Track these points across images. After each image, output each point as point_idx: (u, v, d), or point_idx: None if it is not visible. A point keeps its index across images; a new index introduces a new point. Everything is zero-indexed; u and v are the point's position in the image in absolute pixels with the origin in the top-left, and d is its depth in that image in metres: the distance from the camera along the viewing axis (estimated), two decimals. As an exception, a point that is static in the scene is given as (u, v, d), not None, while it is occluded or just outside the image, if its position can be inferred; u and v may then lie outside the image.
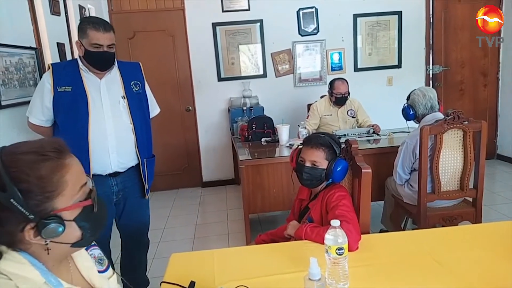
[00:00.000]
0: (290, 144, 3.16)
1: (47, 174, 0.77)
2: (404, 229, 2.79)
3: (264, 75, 4.51)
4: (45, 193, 0.77)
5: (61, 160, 0.81)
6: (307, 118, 3.69)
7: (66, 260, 0.91)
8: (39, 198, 0.76)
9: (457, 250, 1.41)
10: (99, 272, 0.99)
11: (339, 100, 3.52)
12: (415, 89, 2.61)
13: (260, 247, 1.58)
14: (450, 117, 2.27)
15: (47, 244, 0.79)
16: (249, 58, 4.49)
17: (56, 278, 0.82)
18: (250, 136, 3.54)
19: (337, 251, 1.14)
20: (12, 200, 0.73)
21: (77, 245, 0.84)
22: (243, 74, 4.49)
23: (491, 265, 1.28)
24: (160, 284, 1.26)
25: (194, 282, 1.21)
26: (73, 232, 0.82)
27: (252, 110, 4.14)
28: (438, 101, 2.55)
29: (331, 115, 3.60)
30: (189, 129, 4.60)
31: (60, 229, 0.78)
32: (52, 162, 0.79)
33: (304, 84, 4.58)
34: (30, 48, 2.43)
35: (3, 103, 2.06)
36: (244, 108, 4.18)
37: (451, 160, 2.39)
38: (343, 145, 1.80)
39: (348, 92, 3.51)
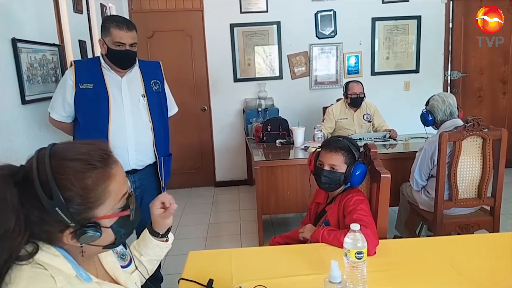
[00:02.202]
0: (305, 147, 3.15)
1: (92, 184, 0.78)
2: (419, 236, 2.76)
3: (280, 76, 4.52)
4: (88, 203, 0.78)
5: (107, 170, 0.81)
6: (323, 121, 3.68)
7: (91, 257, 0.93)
8: (81, 208, 0.77)
9: (476, 258, 1.39)
10: (122, 267, 1.01)
11: (354, 101, 3.50)
12: (434, 95, 2.59)
13: (277, 248, 1.59)
14: (470, 124, 2.24)
15: (82, 246, 0.81)
16: (263, 60, 4.50)
17: (86, 272, 0.84)
18: (264, 138, 3.55)
19: (356, 255, 1.14)
20: (57, 208, 0.74)
21: (108, 247, 0.86)
22: (257, 75, 4.51)
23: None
24: (179, 281, 1.28)
25: (213, 280, 1.23)
26: (108, 237, 0.83)
27: (267, 112, 4.15)
28: (457, 108, 2.52)
29: (346, 118, 3.59)
30: (204, 128, 4.63)
31: (97, 235, 0.79)
32: (98, 172, 0.79)
33: (320, 87, 4.57)
34: (53, 45, 2.48)
35: (27, 99, 2.10)
36: (259, 109, 4.19)
37: (469, 167, 2.36)
38: (361, 149, 1.79)
39: (364, 93, 3.50)
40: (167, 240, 1.21)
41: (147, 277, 1.18)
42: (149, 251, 1.19)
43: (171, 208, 1.14)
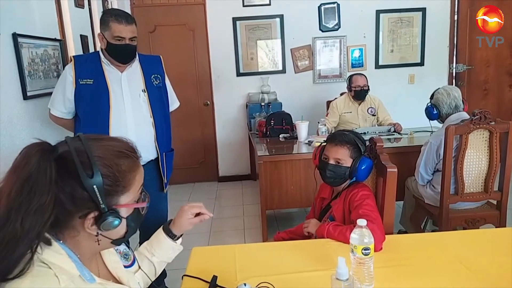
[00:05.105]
0: (309, 141, 3.13)
1: (126, 170, 0.81)
2: (423, 231, 2.73)
3: (283, 71, 4.48)
4: (118, 187, 0.80)
5: (136, 160, 0.85)
6: (327, 115, 3.65)
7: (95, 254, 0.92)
8: (111, 190, 0.79)
9: (484, 254, 1.37)
10: (125, 267, 1.00)
11: (358, 94, 3.46)
12: (439, 88, 2.55)
13: (282, 244, 1.57)
14: (477, 117, 2.21)
15: (97, 235, 0.81)
16: (266, 54, 4.46)
17: (90, 272, 0.83)
18: (268, 132, 3.52)
19: (363, 251, 1.12)
20: (95, 187, 0.75)
21: (116, 242, 0.86)
22: (260, 70, 4.47)
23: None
24: (182, 277, 1.27)
25: (217, 277, 1.21)
26: (121, 229, 0.84)
27: (270, 106, 4.12)
28: (462, 101, 2.49)
29: (350, 112, 3.56)
30: (207, 123, 4.61)
31: (117, 222, 0.80)
32: (130, 160, 0.83)
33: (323, 80, 4.53)
34: (55, 40, 2.46)
35: (28, 94, 2.09)
36: (262, 103, 4.16)
37: (476, 161, 2.33)
38: (367, 143, 1.77)
39: (368, 86, 3.46)
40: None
41: (153, 278, 1.18)
42: (163, 252, 1.20)
43: (204, 217, 1.21)
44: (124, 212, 0.83)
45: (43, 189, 0.72)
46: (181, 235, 1.23)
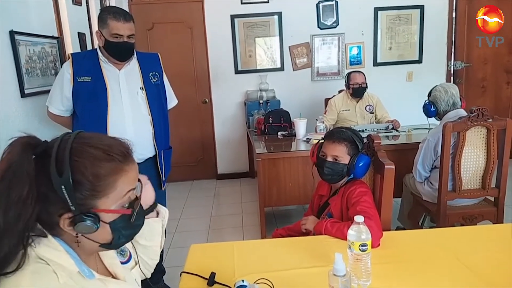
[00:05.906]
0: (307, 139, 3.13)
1: (103, 174, 0.78)
2: (421, 227, 2.74)
3: (282, 68, 4.48)
4: (94, 191, 0.78)
5: (122, 165, 0.81)
6: (325, 113, 3.66)
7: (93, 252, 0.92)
8: (86, 194, 0.77)
9: (481, 251, 1.37)
10: (121, 263, 1.00)
11: (357, 91, 3.47)
12: (436, 86, 2.56)
13: (280, 241, 1.57)
14: (474, 114, 2.21)
15: (77, 236, 0.80)
16: (264, 51, 4.46)
17: (89, 268, 0.83)
18: (266, 130, 3.53)
19: (360, 247, 1.13)
20: (62, 187, 0.74)
21: (105, 246, 0.84)
22: (258, 67, 4.47)
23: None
24: (181, 274, 1.27)
25: (215, 274, 1.21)
26: (105, 234, 0.82)
27: (269, 104, 4.12)
28: (460, 98, 2.49)
29: (349, 110, 3.56)
30: (205, 121, 4.61)
31: (94, 227, 0.78)
32: (113, 164, 0.80)
33: (321, 78, 4.53)
34: (52, 37, 2.45)
35: (26, 92, 2.08)
36: (261, 101, 4.16)
37: (473, 158, 2.33)
38: (365, 140, 1.77)
39: (366, 83, 3.47)
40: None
41: (148, 273, 1.14)
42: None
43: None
44: (107, 217, 0.80)
45: (22, 181, 0.72)
46: (150, 209, 1.06)
